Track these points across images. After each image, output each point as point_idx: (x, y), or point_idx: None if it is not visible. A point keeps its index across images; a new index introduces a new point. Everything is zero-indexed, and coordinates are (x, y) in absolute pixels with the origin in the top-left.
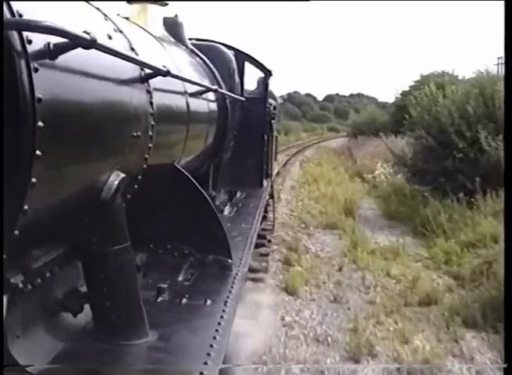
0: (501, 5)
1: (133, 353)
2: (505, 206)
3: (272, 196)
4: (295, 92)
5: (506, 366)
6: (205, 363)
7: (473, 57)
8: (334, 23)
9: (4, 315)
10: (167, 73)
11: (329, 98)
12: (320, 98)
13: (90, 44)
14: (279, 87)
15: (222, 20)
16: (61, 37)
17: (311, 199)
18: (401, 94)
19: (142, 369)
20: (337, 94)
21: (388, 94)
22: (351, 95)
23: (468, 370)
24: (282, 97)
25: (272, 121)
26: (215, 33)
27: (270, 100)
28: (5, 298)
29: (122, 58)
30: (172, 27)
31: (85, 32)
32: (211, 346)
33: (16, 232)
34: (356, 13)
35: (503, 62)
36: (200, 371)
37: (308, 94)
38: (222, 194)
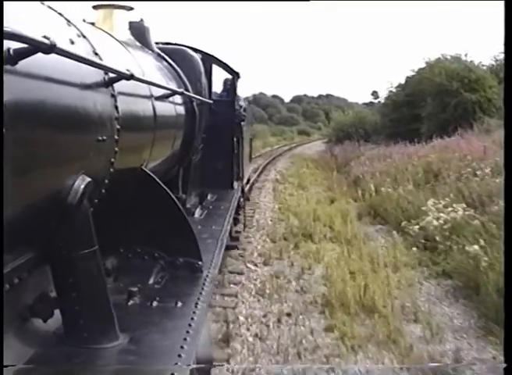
0: (501, 6)
1: (104, 356)
2: (505, 206)
3: (245, 198)
4: (261, 93)
5: (506, 366)
6: (176, 364)
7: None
8: (300, 23)
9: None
10: (131, 77)
11: (297, 99)
12: (287, 99)
13: (50, 48)
14: (243, 89)
15: (185, 23)
16: (19, 42)
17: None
18: (398, 87)
19: (113, 369)
20: (305, 95)
21: (358, 94)
22: (320, 96)
23: (468, 370)
24: (247, 98)
25: (242, 123)
26: (181, 37)
27: (241, 102)
28: None
29: (84, 63)
30: (138, 31)
31: (44, 37)
32: (182, 347)
33: None
34: (323, 13)
35: (503, 61)
36: (171, 372)
37: (275, 96)
38: (192, 197)
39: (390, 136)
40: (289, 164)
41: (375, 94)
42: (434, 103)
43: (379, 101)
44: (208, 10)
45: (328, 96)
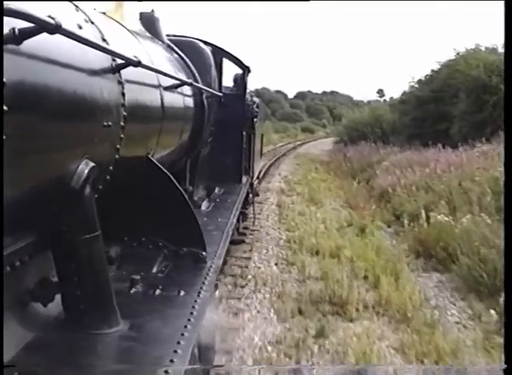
0: (501, 6)
1: (104, 342)
2: (505, 206)
3: (254, 194)
4: (264, 88)
5: (506, 366)
6: (175, 351)
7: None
8: (305, 20)
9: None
10: (138, 64)
11: (301, 95)
12: (291, 95)
13: (55, 28)
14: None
15: (195, 15)
16: (24, 20)
17: None
18: (421, 82)
19: (112, 355)
20: (309, 91)
21: (364, 91)
22: (324, 93)
23: (468, 370)
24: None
25: (255, 119)
26: (191, 30)
27: (254, 98)
28: None
29: (90, 46)
30: (149, 22)
31: (50, 17)
32: (182, 335)
33: None
34: (330, 10)
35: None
36: (165, 370)
37: (278, 91)
38: (200, 190)
39: (412, 137)
40: (294, 166)
41: (380, 92)
42: (468, 100)
43: (385, 100)
44: (212, 10)
45: (332, 93)
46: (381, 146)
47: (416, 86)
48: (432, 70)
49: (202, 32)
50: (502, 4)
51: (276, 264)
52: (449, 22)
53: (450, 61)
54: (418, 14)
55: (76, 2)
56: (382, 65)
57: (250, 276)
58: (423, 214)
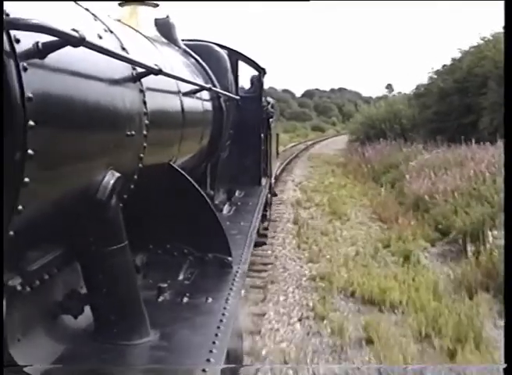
0: (501, 6)
1: (134, 353)
2: (505, 205)
3: (272, 194)
4: (270, 88)
5: (506, 366)
6: (208, 360)
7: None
8: (310, 18)
9: (4, 316)
10: (159, 72)
11: (308, 94)
12: (298, 94)
13: (80, 42)
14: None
15: (196, 16)
16: (49, 35)
17: None
18: (443, 72)
19: (144, 368)
20: (317, 89)
21: (372, 87)
22: (332, 90)
23: (468, 370)
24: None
25: (270, 120)
26: (204, 33)
27: (268, 98)
28: (4, 300)
29: (113, 57)
30: (164, 28)
31: (74, 30)
32: (214, 343)
33: (11, 232)
34: (334, 7)
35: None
36: (202, 368)
37: (286, 90)
38: (220, 194)
39: (434, 132)
40: (309, 170)
41: (389, 87)
42: (501, 89)
43: (394, 95)
44: (212, 10)
45: (340, 90)
46: (402, 144)
47: (435, 77)
48: (453, 59)
49: (204, 33)
50: (502, 4)
51: (300, 320)
52: (450, 20)
53: (474, 48)
54: (421, 13)
55: (93, 11)
56: (388, 60)
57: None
58: (490, 236)
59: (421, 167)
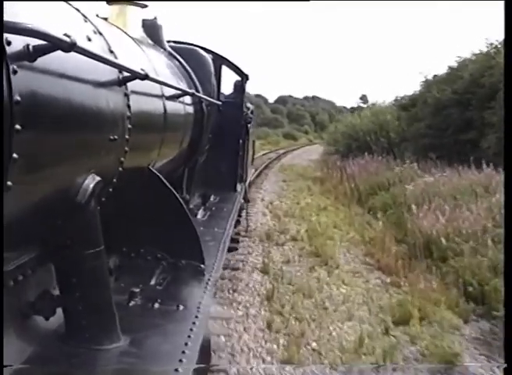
0: (501, 6)
1: (104, 358)
2: (505, 205)
3: (246, 200)
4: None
5: (506, 366)
6: (176, 370)
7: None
8: (285, 23)
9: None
10: (145, 77)
11: (281, 100)
12: (271, 100)
13: (71, 47)
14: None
15: (194, 22)
16: (41, 39)
17: None
18: (439, 81)
19: (112, 370)
20: (290, 96)
21: (346, 97)
22: (305, 98)
23: (468, 370)
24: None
25: (249, 125)
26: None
27: (248, 104)
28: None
29: (102, 62)
30: (151, 29)
31: (65, 35)
32: (184, 352)
33: None
34: (310, 12)
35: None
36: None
37: (258, 95)
38: (195, 198)
39: (426, 148)
40: (281, 184)
41: (363, 97)
42: None
43: (369, 106)
44: (196, 10)
45: (314, 98)
46: (391, 161)
47: (425, 86)
48: (450, 68)
49: (179, 33)
50: (502, 4)
51: None
52: (445, 24)
53: (479, 55)
54: (414, 15)
55: (83, 11)
56: (364, 70)
57: None
58: None
59: (422, 193)
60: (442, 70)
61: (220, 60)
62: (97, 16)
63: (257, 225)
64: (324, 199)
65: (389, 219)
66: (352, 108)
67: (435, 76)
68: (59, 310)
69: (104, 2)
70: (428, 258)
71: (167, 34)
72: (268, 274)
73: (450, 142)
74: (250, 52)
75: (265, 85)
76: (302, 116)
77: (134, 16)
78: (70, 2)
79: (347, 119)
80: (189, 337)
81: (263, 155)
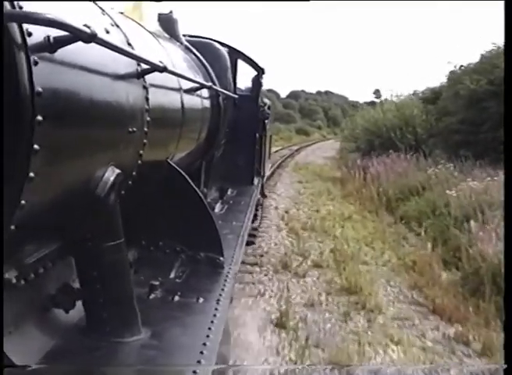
0: (501, 6)
1: (125, 351)
2: (505, 205)
3: (263, 195)
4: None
5: (506, 366)
6: (199, 362)
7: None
8: (300, 19)
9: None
10: (164, 69)
11: (294, 95)
12: (283, 95)
13: (91, 38)
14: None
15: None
16: (62, 30)
17: None
18: (474, 71)
19: (134, 369)
20: (303, 91)
21: (359, 92)
22: (318, 92)
23: (468, 370)
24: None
25: (266, 121)
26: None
27: (265, 100)
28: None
29: (121, 53)
30: (167, 23)
31: (85, 25)
32: (205, 344)
33: (13, 227)
34: (324, 12)
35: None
36: (193, 370)
37: (270, 90)
38: (213, 192)
39: (458, 145)
40: (297, 187)
41: (377, 92)
42: None
43: (381, 101)
44: (205, 10)
45: (327, 93)
46: (421, 160)
47: (452, 77)
48: (483, 56)
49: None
50: (502, 4)
51: None
52: (448, 22)
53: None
54: (417, 14)
55: (100, 4)
56: (377, 65)
57: None
58: None
59: (471, 202)
60: (464, 61)
61: (236, 54)
62: (112, 9)
63: (271, 246)
64: (347, 205)
65: (429, 231)
66: (366, 103)
67: (461, 66)
68: (79, 303)
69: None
70: (497, 296)
71: (182, 29)
72: (284, 328)
73: (487, 139)
74: (262, 47)
75: (277, 80)
76: (315, 111)
77: (150, 10)
78: None
79: (369, 113)
80: (209, 329)
81: (275, 152)
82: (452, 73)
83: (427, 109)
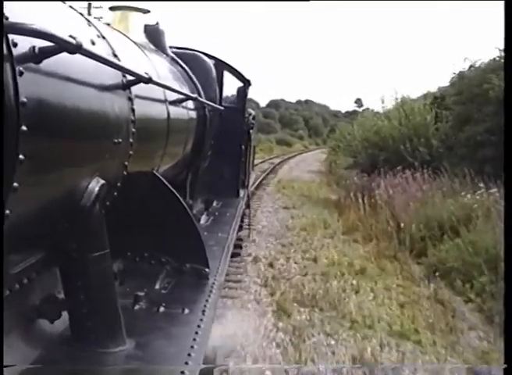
0: (501, 6)
1: (109, 361)
2: (505, 205)
3: (248, 206)
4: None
5: (506, 366)
6: (182, 373)
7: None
8: (279, 23)
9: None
10: (149, 80)
11: (274, 104)
12: (263, 104)
13: (76, 48)
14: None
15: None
16: (47, 40)
17: None
18: (495, 70)
19: (121, 368)
20: (282, 100)
21: (340, 102)
22: (298, 102)
23: (468, 370)
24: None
25: (251, 131)
26: (193, 42)
27: (249, 110)
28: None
29: (106, 64)
30: (153, 35)
31: (71, 36)
32: (189, 355)
33: None
34: (301, 14)
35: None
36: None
37: (250, 99)
38: (198, 203)
39: (485, 160)
40: (282, 216)
41: (358, 102)
42: None
43: (364, 109)
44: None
45: (307, 102)
46: (444, 180)
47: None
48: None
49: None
50: (502, 4)
51: None
52: (447, 22)
53: None
54: (417, 14)
55: (86, 16)
56: (359, 74)
57: None
58: None
59: None
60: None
61: (222, 66)
62: (99, 19)
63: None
64: (354, 247)
65: (489, 300)
66: (347, 112)
67: (470, 67)
68: (64, 313)
69: (106, 9)
70: None
71: (168, 39)
72: None
73: None
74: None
75: (256, 88)
76: (295, 120)
77: (136, 22)
78: (74, 7)
79: (369, 121)
80: (194, 340)
81: (256, 165)
82: (470, 70)
83: (440, 115)
